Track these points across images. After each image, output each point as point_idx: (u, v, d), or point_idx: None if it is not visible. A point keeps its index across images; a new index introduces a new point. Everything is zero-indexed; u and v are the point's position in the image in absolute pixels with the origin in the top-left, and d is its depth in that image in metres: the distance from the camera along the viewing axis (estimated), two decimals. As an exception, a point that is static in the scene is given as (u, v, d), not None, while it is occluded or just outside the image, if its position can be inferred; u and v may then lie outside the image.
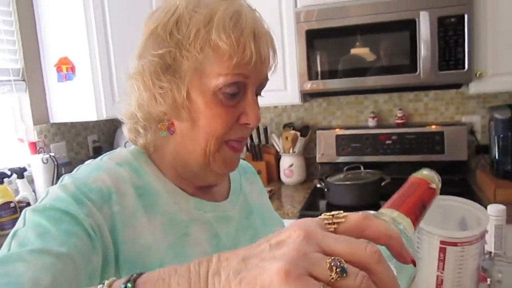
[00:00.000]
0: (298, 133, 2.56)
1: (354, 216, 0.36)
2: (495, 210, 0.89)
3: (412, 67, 2.09)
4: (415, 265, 0.36)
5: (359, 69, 2.19)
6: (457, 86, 2.31)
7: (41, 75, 2.53)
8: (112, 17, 2.39)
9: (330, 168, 2.53)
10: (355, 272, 0.31)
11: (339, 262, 0.31)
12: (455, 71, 2.03)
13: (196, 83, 0.65)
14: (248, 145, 2.63)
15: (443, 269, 0.51)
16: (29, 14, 2.47)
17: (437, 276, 0.52)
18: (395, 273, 0.35)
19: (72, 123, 2.63)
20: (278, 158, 2.66)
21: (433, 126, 2.40)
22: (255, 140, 2.63)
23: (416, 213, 0.43)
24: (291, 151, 2.55)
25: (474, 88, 2.10)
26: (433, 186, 0.46)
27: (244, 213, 0.82)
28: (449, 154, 2.36)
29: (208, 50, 0.63)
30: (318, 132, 2.59)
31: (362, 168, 2.20)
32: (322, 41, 2.22)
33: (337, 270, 0.31)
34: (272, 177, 2.68)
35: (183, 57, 0.64)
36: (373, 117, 2.53)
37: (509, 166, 2.04)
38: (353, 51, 2.18)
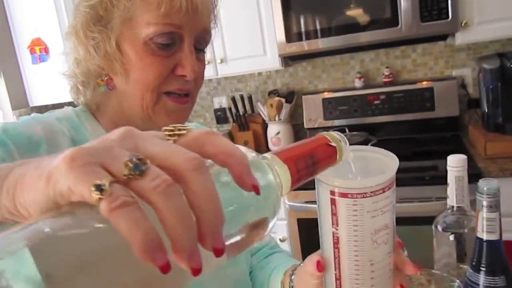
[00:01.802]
0: (283, 100, 2.48)
1: (197, 130, 0.31)
2: (454, 160, 0.81)
3: (393, 20, 1.98)
4: (257, 192, 0.29)
5: (338, 27, 2.08)
6: (443, 37, 2.20)
7: (15, 58, 2.46)
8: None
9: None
10: (155, 173, 0.26)
11: (138, 159, 0.26)
12: (439, 22, 1.92)
13: (127, 33, 0.64)
14: (234, 115, 2.56)
15: (337, 225, 0.44)
16: (-4, -4, 2.39)
17: (333, 233, 0.45)
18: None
19: (53, 105, 2.57)
20: (265, 126, 2.59)
21: (424, 82, 2.30)
22: (241, 110, 2.56)
23: (299, 164, 0.37)
24: (276, 118, 2.48)
25: (460, 38, 1.98)
26: (333, 144, 0.41)
27: None
28: (440, 110, 2.27)
29: None
30: (304, 97, 2.51)
31: (347, 130, 2.13)
32: (297, 0, 2.11)
33: (131, 166, 0.26)
34: (260, 146, 2.61)
35: (113, 7, 0.63)
36: (359, 78, 2.43)
37: (499, 118, 1.94)
38: (331, 7, 2.07)
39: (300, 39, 2.13)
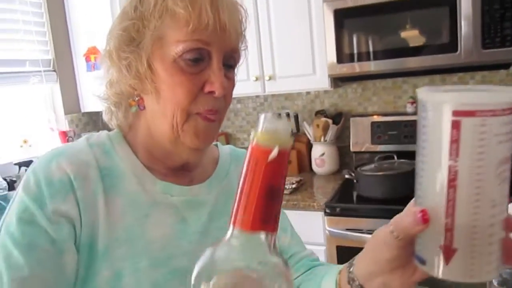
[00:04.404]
0: (330, 121, 2.42)
1: None
2: None
3: (452, 45, 1.89)
4: None
5: (392, 50, 2.01)
6: (506, 66, 2.07)
7: (71, 65, 2.55)
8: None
9: (366, 158, 2.37)
10: None
11: None
12: (502, 49, 1.81)
13: (157, 52, 0.66)
14: (279, 133, 2.52)
15: (457, 155, 0.35)
16: (59, 5, 2.49)
17: (449, 168, 0.36)
18: None
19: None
20: (310, 147, 2.54)
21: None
22: (286, 128, 2.52)
23: (264, 214, 0.33)
24: (322, 139, 2.42)
25: (525, 67, 1.86)
26: (274, 151, 0.33)
27: (223, 198, 0.78)
28: (498, 142, 2.13)
29: (166, 16, 0.64)
30: (352, 119, 2.43)
31: (395, 157, 2.03)
32: (352, 20, 2.06)
33: None
34: (303, 166, 2.56)
35: (145, 28, 0.65)
36: (412, 103, 2.33)
37: None
38: (387, 30, 2.00)
39: (352, 61, 2.07)
